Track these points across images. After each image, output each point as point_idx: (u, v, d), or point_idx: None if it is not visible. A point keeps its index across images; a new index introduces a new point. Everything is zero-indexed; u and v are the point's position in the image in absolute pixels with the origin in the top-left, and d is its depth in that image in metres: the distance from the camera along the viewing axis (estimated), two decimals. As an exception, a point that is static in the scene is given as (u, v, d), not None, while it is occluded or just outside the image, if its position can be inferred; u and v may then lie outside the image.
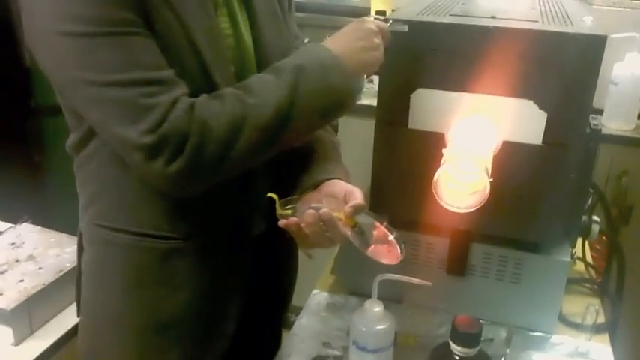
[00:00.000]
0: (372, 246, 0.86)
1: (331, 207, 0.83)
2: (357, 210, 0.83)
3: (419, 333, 1.06)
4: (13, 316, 1.10)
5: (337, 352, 1.04)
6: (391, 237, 0.86)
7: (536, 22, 0.95)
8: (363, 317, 0.89)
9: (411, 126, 1.00)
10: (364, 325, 0.89)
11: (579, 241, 1.20)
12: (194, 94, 0.78)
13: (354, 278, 1.16)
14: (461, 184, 0.87)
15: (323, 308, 1.15)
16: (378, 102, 1.03)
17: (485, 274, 1.08)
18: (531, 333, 1.08)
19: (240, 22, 0.89)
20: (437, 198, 0.85)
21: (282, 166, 0.96)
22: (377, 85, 1.02)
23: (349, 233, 0.84)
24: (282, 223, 0.85)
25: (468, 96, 0.95)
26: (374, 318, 0.89)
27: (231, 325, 1.01)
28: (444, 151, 0.88)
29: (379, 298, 0.90)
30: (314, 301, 1.17)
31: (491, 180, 0.84)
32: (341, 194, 0.87)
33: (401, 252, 0.86)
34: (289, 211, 0.86)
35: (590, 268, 1.24)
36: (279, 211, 0.85)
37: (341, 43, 0.85)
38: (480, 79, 0.93)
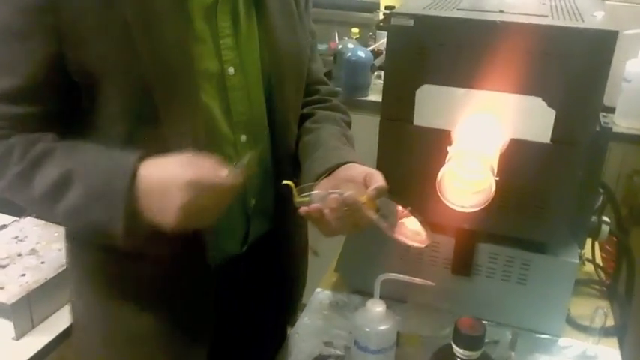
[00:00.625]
0: (399, 229, 0.83)
1: (348, 192, 0.80)
2: (380, 192, 0.79)
3: (423, 334, 1.04)
4: (14, 311, 1.09)
5: (339, 352, 1.02)
6: (416, 221, 0.83)
7: (546, 16, 0.93)
8: (365, 317, 0.88)
9: (416, 123, 0.98)
10: (366, 325, 0.87)
11: (589, 241, 1.18)
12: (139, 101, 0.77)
13: (358, 277, 1.14)
14: (466, 182, 0.85)
15: (326, 307, 1.14)
16: (382, 98, 1.01)
17: (491, 275, 1.06)
18: (538, 335, 1.06)
19: (242, 22, 0.87)
20: (441, 196, 0.83)
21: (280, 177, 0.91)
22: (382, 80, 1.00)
23: (374, 217, 0.80)
24: (303, 210, 0.81)
25: (475, 92, 0.92)
26: (376, 318, 0.87)
27: (203, 349, 0.96)
28: (449, 148, 0.86)
29: (383, 297, 0.88)
30: (317, 299, 1.16)
31: (496, 179, 0.82)
32: (360, 177, 0.83)
33: (427, 235, 0.83)
34: (307, 199, 0.82)
35: (599, 270, 1.21)
36: (296, 199, 0.82)
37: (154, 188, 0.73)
38: (487, 75, 0.91)
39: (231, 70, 0.86)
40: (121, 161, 0.74)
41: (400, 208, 0.83)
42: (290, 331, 1.11)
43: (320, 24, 2.71)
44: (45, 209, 0.78)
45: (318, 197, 0.81)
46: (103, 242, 0.79)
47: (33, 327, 1.15)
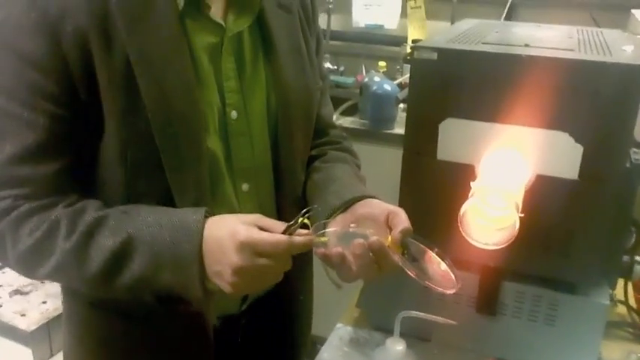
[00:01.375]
0: (426, 273, 0.78)
1: (368, 230, 0.75)
2: (406, 235, 0.75)
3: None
4: (32, 338, 1.09)
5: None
6: (444, 265, 0.79)
7: (572, 50, 0.91)
8: (384, 356, 0.86)
9: (439, 157, 0.96)
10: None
11: (621, 282, 1.13)
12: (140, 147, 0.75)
13: (380, 313, 1.12)
14: (489, 219, 0.83)
15: (346, 343, 1.11)
16: (405, 131, 1.00)
17: (518, 315, 1.02)
18: None
19: (248, 63, 0.84)
20: (463, 233, 0.81)
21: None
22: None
23: (400, 262, 0.75)
24: (320, 252, 0.75)
25: (500, 127, 0.91)
26: (395, 357, 0.85)
27: None
28: (472, 184, 0.84)
29: (405, 335, 0.86)
30: (337, 335, 1.13)
31: (521, 215, 0.79)
32: (381, 216, 0.78)
33: (456, 280, 0.78)
34: (324, 238, 0.76)
35: (632, 312, 1.16)
36: (315, 239, 0.76)
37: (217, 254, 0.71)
38: (511, 109, 0.89)
39: (234, 114, 0.82)
40: (185, 220, 0.72)
41: (426, 248, 0.78)
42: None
43: (347, 57, 2.74)
44: (103, 284, 0.73)
45: (334, 235, 0.76)
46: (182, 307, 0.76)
47: (52, 355, 1.15)
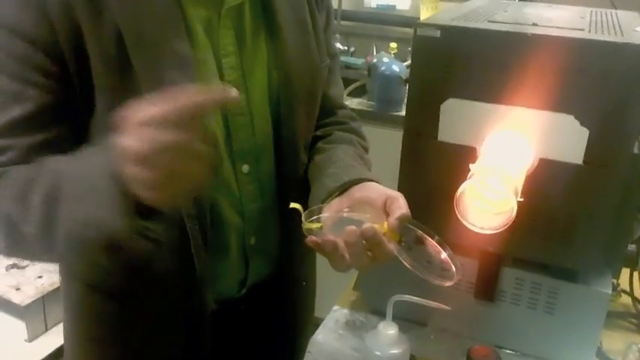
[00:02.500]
0: (424, 264, 0.74)
1: (364, 216, 0.71)
2: (403, 221, 0.71)
3: (440, 360, 0.99)
4: (27, 312, 1.09)
5: (351, 376, 0.98)
6: (444, 254, 0.75)
7: (582, 30, 0.88)
8: (375, 340, 0.84)
9: (440, 138, 0.94)
10: (376, 348, 0.83)
11: (627, 272, 1.10)
12: None
13: (377, 296, 1.10)
14: (487, 202, 0.81)
15: (341, 326, 1.09)
16: (406, 111, 0.97)
17: (516, 302, 1.00)
18: None
19: (248, 38, 0.80)
20: (458, 215, 0.78)
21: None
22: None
23: (396, 251, 0.71)
24: (311, 240, 0.70)
25: (503, 108, 0.88)
26: (387, 341, 0.83)
27: None
28: (471, 165, 0.81)
29: (401, 319, 0.84)
30: (333, 318, 1.12)
31: (521, 200, 0.77)
32: (379, 200, 0.74)
33: (456, 271, 0.74)
34: (317, 224, 0.71)
35: (637, 303, 1.13)
36: (305, 225, 0.71)
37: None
38: (516, 90, 0.86)
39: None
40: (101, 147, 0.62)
41: (425, 236, 0.74)
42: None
43: (358, 38, 2.70)
44: (46, 242, 0.64)
45: (329, 221, 0.72)
46: (112, 262, 0.70)
47: (46, 330, 1.15)
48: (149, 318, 0.83)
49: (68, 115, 0.72)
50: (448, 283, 0.74)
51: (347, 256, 0.70)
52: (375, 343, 0.83)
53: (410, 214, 0.72)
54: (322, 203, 0.79)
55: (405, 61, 2.29)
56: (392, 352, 0.82)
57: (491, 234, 0.80)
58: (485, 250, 0.98)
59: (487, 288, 1.00)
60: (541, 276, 0.97)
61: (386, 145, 1.81)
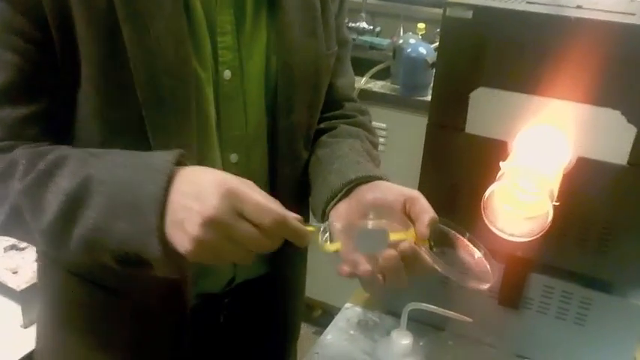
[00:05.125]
0: (462, 269, 0.66)
1: (383, 222, 0.63)
2: (432, 226, 0.62)
3: (457, 369, 0.92)
4: (23, 297, 1.05)
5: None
6: (479, 254, 0.67)
7: (632, 15, 0.78)
8: (387, 349, 0.77)
9: (468, 130, 0.85)
10: (388, 358, 0.76)
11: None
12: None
13: (391, 297, 1.03)
14: (519, 204, 0.73)
15: (353, 326, 1.03)
16: (431, 100, 0.89)
17: (544, 311, 0.92)
18: None
19: (248, 17, 0.73)
20: (486, 220, 0.71)
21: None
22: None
23: (435, 263, 0.62)
24: (344, 272, 0.62)
25: (540, 100, 0.79)
26: (400, 352, 0.76)
27: None
28: (501, 164, 0.73)
29: (417, 322, 0.77)
30: (344, 316, 1.05)
31: (556, 204, 0.69)
32: (397, 203, 0.65)
33: (492, 272, 0.66)
34: (337, 245, 0.62)
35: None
36: (324, 248, 0.63)
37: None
38: (555, 80, 0.77)
39: (227, 74, 0.72)
40: (154, 158, 0.59)
41: (457, 235, 0.67)
42: (310, 328, 1.00)
43: (385, 17, 2.60)
44: (60, 237, 0.61)
45: (344, 234, 0.64)
46: (134, 273, 0.62)
47: (44, 314, 1.11)
48: (128, 310, 0.78)
49: (52, 88, 0.66)
50: (485, 286, 0.66)
51: (381, 277, 0.63)
52: (386, 353, 0.77)
53: (436, 215, 0.64)
54: (326, 205, 0.71)
55: (433, 43, 2.19)
56: (405, 363, 0.76)
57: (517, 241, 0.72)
58: (512, 254, 0.90)
59: (512, 294, 0.93)
60: (573, 285, 0.89)
61: (409, 131, 1.73)
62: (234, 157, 0.76)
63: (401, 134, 2.01)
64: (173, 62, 0.65)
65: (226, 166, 0.75)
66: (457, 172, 0.88)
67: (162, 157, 0.59)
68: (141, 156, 0.61)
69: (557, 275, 0.90)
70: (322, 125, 0.87)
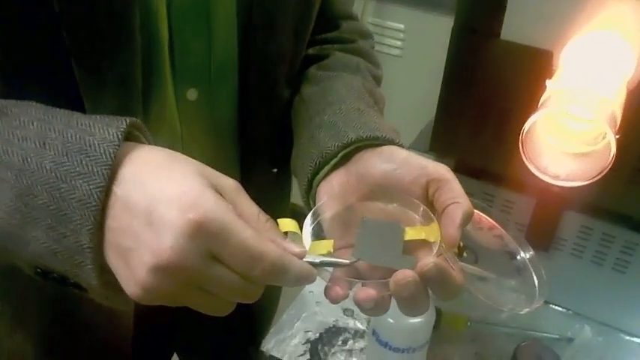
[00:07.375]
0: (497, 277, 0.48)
1: (394, 208, 0.45)
2: (466, 223, 0.43)
3: (472, 317, 0.81)
4: None
5: (359, 325, 0.81)
6: (522, 254, 0.49)
7: None
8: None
9: (504, 36, 0.69)
10: (390, 315, 0.63)
11: None
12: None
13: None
14: (568, 135, 0.57)
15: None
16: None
17: (579, 254, 0.80)
18: (628, 338, 0.82)
19: None
20: (524, 159, 0.55)
21: None
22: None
23: (467, 282, 0.43)
24: (336, 295, 0.41)
25: (598, -2, 0.61)
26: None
27: None
28: (547, 82, 0.57)
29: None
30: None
31: (617, 137, 0.53)
32: (416, 187, 0.46)
33: (540, 287, 0.48)
34: (327, 245, 0.44)
35: None
36: (311, 249, 0.43)
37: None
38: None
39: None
40: (89, 135, 0.39)
41: (494, 224, 0.49)
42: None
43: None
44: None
45: (335, 225, 0.45)
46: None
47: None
48: (66, 314, 0.64)
49: None
50: (535, 306, 0.48)
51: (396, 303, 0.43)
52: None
53: (472, 207, 0.44)
54: (313, 175, 0.51)
55: None
56: (411, 321, 0.64)
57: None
58: (546, 188, 0.75)
59: (543, 234, 0.81)
60: (615, 227, 0.76)
61: (431, 35, 1.54)
62: (192, 94, 0.56)
63: (421, 39, 1.81)
64: None
65: (182, 106, 0.57)
66: (488, 90, 0.72)
67: (100, 134, 0.39)
68: (68, 122, 0.40)
69: (597, 215, 0.77)
70: (311, 50, 0.67)
